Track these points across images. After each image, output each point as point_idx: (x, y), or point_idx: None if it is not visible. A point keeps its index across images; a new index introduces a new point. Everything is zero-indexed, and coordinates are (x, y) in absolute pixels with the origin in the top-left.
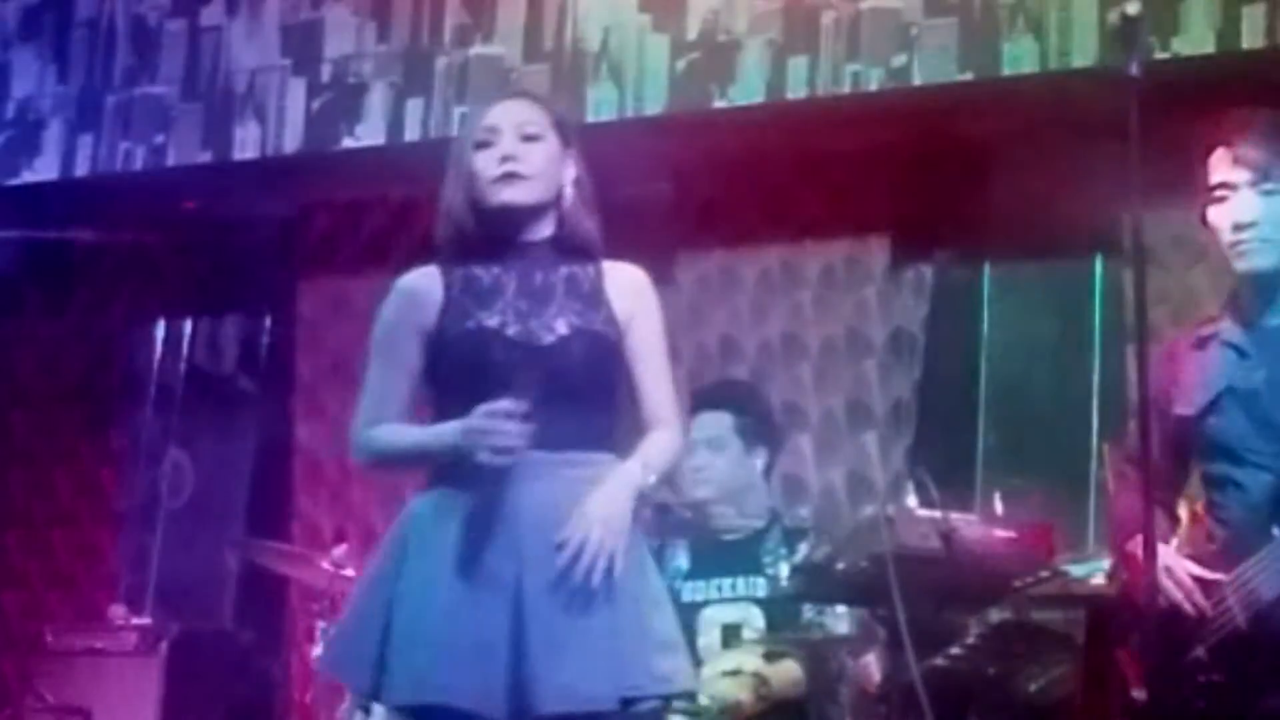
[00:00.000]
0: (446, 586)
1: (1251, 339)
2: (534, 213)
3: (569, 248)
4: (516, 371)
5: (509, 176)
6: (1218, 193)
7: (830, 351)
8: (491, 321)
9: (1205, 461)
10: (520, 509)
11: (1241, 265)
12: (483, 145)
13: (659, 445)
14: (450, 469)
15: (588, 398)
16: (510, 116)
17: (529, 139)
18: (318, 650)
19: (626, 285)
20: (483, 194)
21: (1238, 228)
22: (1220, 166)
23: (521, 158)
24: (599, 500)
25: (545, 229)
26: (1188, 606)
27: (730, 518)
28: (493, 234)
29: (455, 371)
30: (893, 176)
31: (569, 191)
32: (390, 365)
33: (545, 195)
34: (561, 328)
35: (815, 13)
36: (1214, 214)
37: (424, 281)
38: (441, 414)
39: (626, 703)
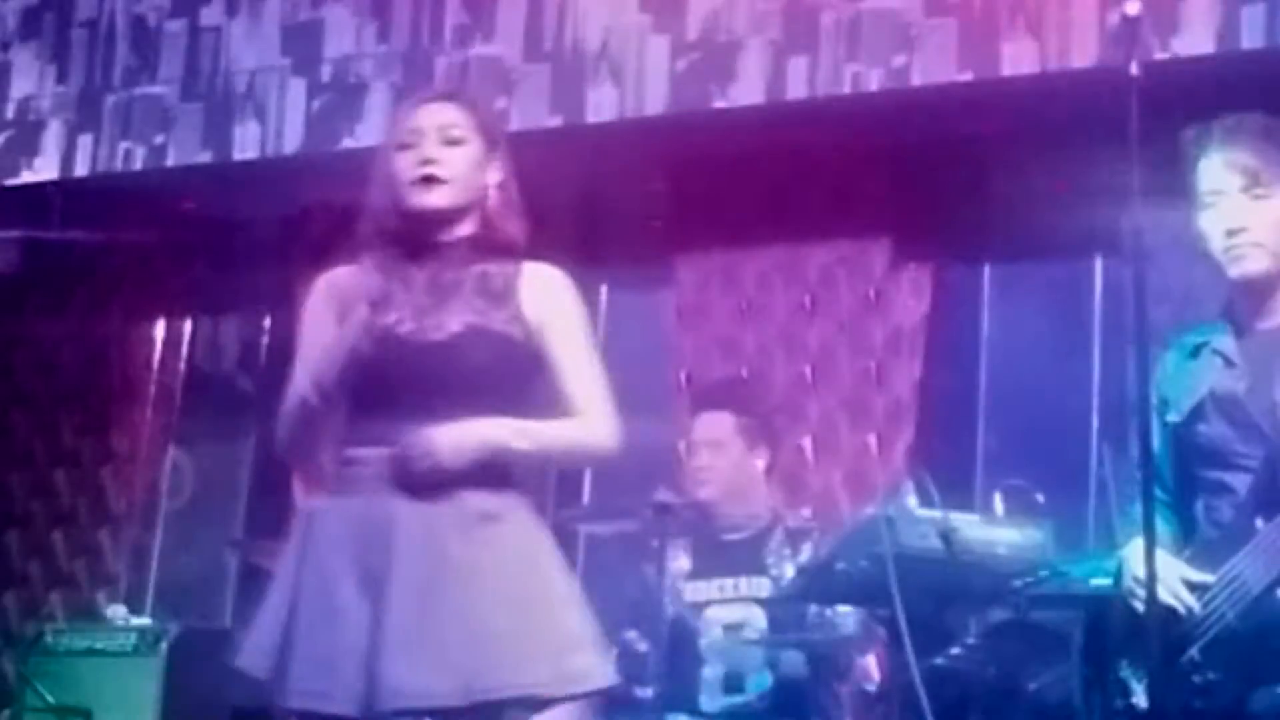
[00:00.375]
0: (327, 591)
1: (1240, 345)
2: (452, 215)
3: (489, 248)
4: (401, 369)
5: (427, 180)
6: (1209, 199)
7: (830, 351)
8: (388, 319)
9: (1199, 467)
10: (397, 508)
11: (1234, 271)
12: (405, 147)
13: (559, 425)
14: (342, 470)
15: (478, 396)
16: (433, 119)
17: (451, 143)
18: None
19: (540, 285)
20: (401, 196)
21: (1230, 234)
22: (1211, 172)
23: (441, 161)
24: (450, 427)
25: (465, 229)
26: (1176, 605)
27: (733, 518)
28: (412, 234)
29: (350, 367)
30: (893, 176)
31: (492, 194)
32: (307, 359)
33: (464, 199)
34: (454, 325)
35: (815, 13)
36: (1205, 220)
37: (341, 278)
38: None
39: (543, 703)
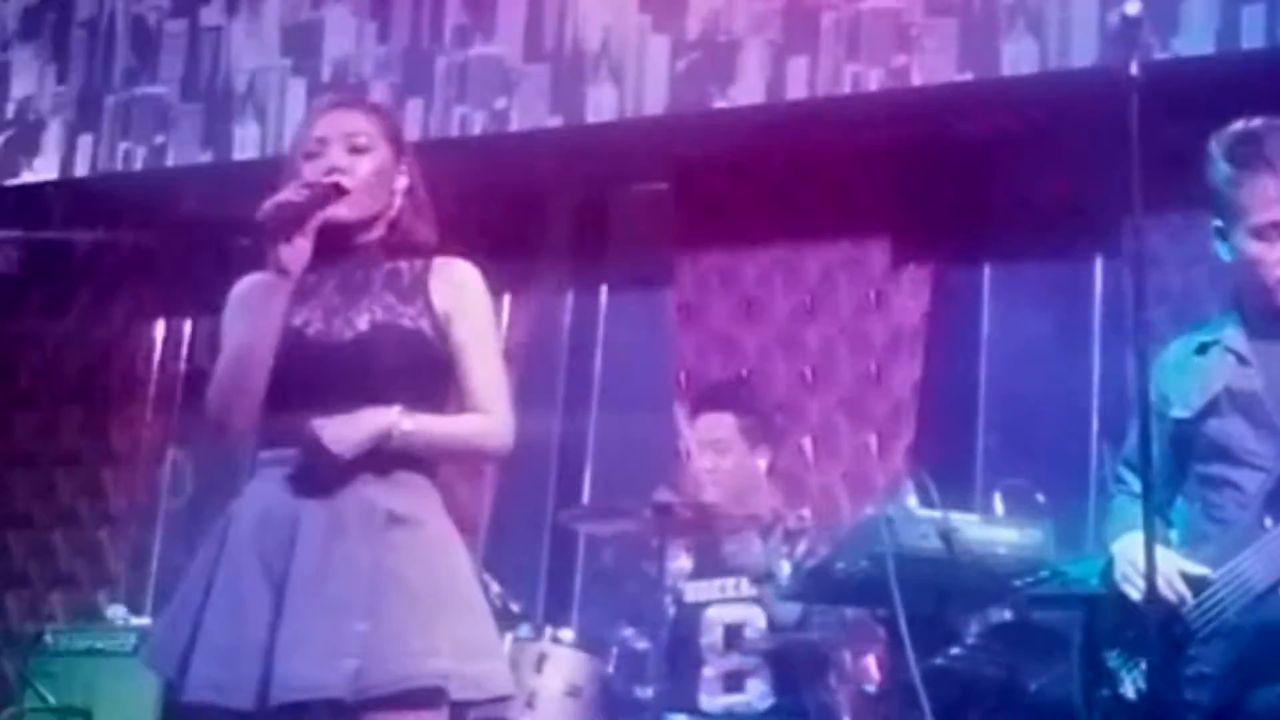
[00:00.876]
0: (235, 589)
1: (1254, 346)
2: (360, 224)
3: (399, 250)
4: (310, 371)
5: (333, 188)
6: (1270, 232)
7: (830, 351)
8: (297, 321)
9: (1201, 463)
10: (303, 508)
11: None
12: (311, 156)
13: (453, 418)
14: (257, 471)
15: (389, 394)
16: (338, 127)
17: (357, 151)
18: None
19: (449, 279)
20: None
21: None
22: (1267, 199)
23: (348, 170)
24: (337, 417)
25: (375, 233)
26: (1169, 594)
27: (734, 519)
28: (322, 240)
29: (251, 374)
30: (893, 176)
31: (400, 201)
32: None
33: (371, 208)
34: (362, 324)
35: (815, 13)
36: (1259, 250)
37: (255, 284)
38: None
39: (452, 705)
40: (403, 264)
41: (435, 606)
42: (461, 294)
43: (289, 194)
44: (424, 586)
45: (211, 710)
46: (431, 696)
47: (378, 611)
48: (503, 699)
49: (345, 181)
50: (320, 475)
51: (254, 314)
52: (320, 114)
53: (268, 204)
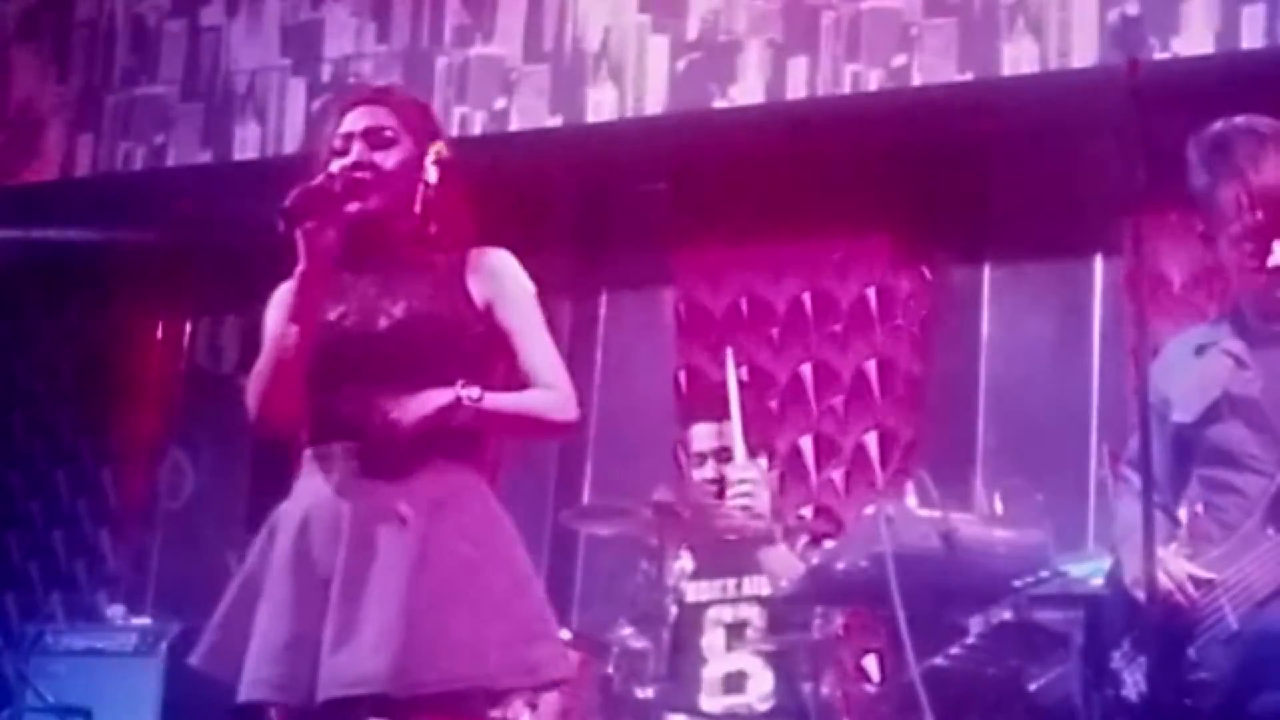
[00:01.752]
0: (284, 586)
1: (1252, 349)
2: (388, 217)
3: (431, 241)
4: (350, 360)
5: (359, 184)
6: (1242, 236)
7: (830, 351)
8: (334, 314)
9: (1203, 466)
10: (347, 500)
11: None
12: (338, 154)
13: (518, 393)
14: (308, 463)
15: (428, 379)
16: (362, 122)
17: (381, 145)
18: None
19: (485, 268)
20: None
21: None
22: (1243, 206)
23: (372, 165)
24: (405, 397)
25: (406, 225)
26: (1179, 598)
27: (734, 519)
28: (353, 237)
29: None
30: (893, 176)
31: (429, 192)
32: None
33: (397, 201)
34: (398, 313)
35: (815, 13)
36: (1240, 256)
37: (290, 284)
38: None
39: (498, 694)
40: (437, 255)
41: (485, 594)
42: (500, 281)
43: (314, 182)
44: (471, 575)
45: (269, 708)
46: (478, 693)
47: (424, 605)
48: (559, 683)
49: (368, 176)
50: (377, 461)
51: (288, 309)
52: (344, 111)
53: (294, 191)
